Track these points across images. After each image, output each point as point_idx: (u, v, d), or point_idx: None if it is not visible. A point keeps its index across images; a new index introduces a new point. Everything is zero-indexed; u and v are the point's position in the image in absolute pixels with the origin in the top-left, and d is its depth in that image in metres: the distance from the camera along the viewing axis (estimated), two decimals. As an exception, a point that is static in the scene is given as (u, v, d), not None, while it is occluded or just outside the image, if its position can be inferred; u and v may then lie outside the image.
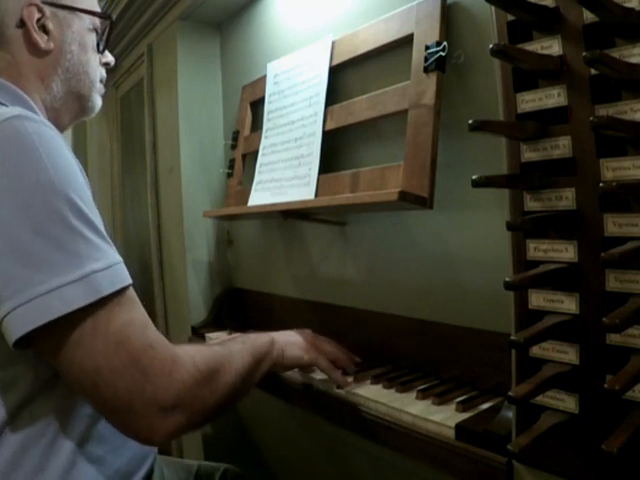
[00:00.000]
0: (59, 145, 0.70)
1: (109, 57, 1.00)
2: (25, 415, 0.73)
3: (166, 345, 0.72)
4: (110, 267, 0.69)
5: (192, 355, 0.74)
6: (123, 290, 0.69)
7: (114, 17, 1.00)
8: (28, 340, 0.65)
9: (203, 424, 0.77)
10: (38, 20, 0.86)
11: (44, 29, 0.87)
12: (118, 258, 0.71)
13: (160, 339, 0.71)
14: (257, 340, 0.93)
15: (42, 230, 0.65)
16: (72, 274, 0.65)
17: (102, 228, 0.71)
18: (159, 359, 0.69)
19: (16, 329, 0.64)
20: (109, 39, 0.98)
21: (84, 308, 0.65)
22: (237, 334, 1.18)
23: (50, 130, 0.71)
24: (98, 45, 0.96)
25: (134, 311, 0.70)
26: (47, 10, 0.87)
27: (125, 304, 0.69)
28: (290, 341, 1.01)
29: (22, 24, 0.85)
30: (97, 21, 0.95)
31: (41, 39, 0.87)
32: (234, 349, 0.85)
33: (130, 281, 0.71)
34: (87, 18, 0.93)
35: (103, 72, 0.99)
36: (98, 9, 0.96)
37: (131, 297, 0.71)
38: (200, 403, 0.73)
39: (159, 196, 1.90)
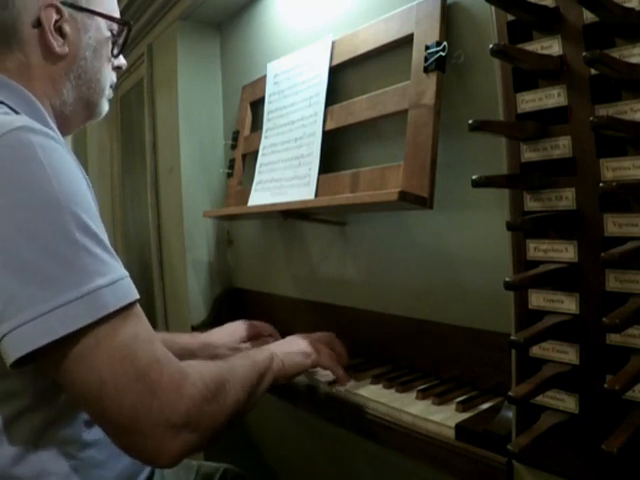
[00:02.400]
0: (64, 158, 0.69)
1: (122, 60, 0.97)
2: (23, 424, 0.71)
3: (173, 360, 0.70)
4: (116, 282, 0.67)
5: (199, 370, 0.72)
6: (129, 305, 0.67)
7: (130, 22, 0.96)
8: (28, 357, 0.62)
9: (212, 443, 0.74)
10: (55, 22, 0.83)
11: (60, 32, 0.84)
12: (124, 272, 0.69)
13: (167, 354, 0.70)
14: (257, 355, 0.92)
15: (46, 246, 0.63)
16: (76, 291, 0.63)
17: (107, 242, 0.70)
18: (167, 374, 0.67)
19: (16, 349, 0.62)
20: (125, 44, 0.95)
21: (88, 325, 0.63)
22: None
23: (55, 143, 0.69)
24: (113, 49, 0.93)
25: (140, 326, 0.69)
26: (66, 12, 0.84)
27: (130, 319, 0.67)
28: (288, 351, 1.00)
29: (39, 24, 0.81)
30: (114, 25, 0.92)
31: (56, 42, 0.83)
32: (237, 364, 0.84)
33: (137, 296, 0.69)
34: (104, 22, 0.90)
35: (114, 77, 0.96)
36: (117, 12, 0.93)
37: (137, 312, 0.69)
38: (209, 420, 0.70)
39: (159, 196, 1.89)
